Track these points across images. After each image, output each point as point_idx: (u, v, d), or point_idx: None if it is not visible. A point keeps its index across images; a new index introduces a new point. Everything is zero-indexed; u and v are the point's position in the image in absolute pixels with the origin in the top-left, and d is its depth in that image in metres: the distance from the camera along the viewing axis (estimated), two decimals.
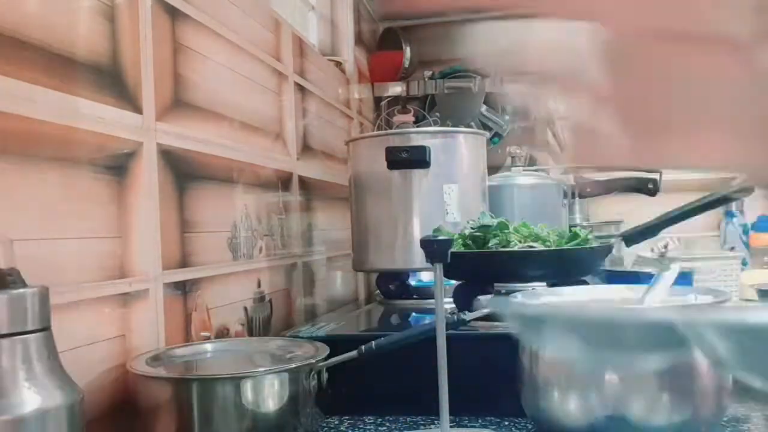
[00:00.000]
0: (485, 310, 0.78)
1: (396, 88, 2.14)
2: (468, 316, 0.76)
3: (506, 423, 0.78)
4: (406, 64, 2.16)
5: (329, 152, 1.53)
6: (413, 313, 1.15)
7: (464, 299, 0.95)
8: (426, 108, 2.19)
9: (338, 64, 1.76)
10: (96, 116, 0.70)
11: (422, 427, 0.78)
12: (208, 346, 0.81)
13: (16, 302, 0.48)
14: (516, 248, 0.90)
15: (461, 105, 2.16)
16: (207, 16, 0.96)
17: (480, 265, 0.93)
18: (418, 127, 2.07)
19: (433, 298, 1.20)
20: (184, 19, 0.90)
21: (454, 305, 0.98)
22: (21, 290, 0.48)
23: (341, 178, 1.54)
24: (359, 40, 1.97)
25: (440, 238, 0.63)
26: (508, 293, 0.78)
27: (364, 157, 1.22)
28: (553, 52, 0.27)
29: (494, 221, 0.94)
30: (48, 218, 0.63)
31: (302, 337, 0.84)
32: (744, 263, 1.60)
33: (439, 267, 0.63)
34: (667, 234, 0.81)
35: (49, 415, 0.48)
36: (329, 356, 0.72)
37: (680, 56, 0.25)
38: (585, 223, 1.78)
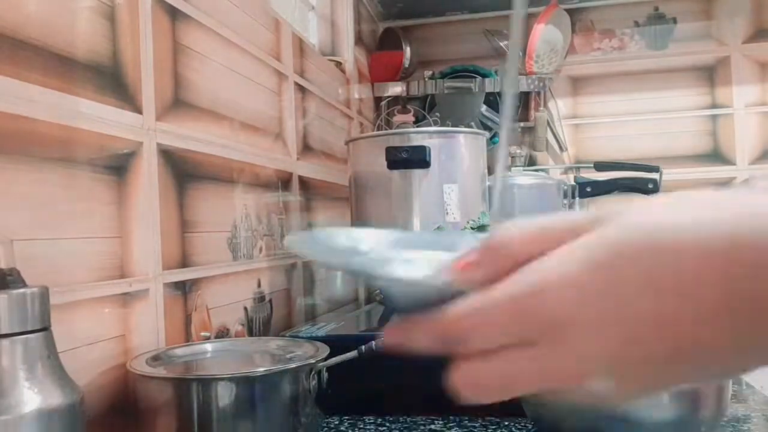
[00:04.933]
0: None
1: (396, 88, 2.14)
2: None
3: (506, 423, 0.78)
4: (406, 64, 2.16)
5: (329, 152, 1.53)
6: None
7: None
8: (426, 108, 2.19)
9: (338, 64, 1.76)
10: (96, 116, 0.70)
11: (422, 427, 0.78)
12: (208, 346, 0.81)
13: (16, 302, 0.48)
14: None
15: (461, 105, 2.16)
16: (207, 16, 0.96)
17: None
18: (418, 127, 2.07)
19: None
20: (184, 19, 0.90)
21: None
22: (21, 290, 0.48)
23: (341, 178, 1.54)
24: (359, 40, 1.97)
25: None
26: None
27: (364, 157, 1.22)
28: None
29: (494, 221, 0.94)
30: (48, 218, 0.63)
31: (302, 337, 0.84)
32: None
33: None
34: None
35: (49, 415, 0.48)
36: (329, 356, 0.72)
37: None
38: None
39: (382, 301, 1.24)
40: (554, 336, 0.26)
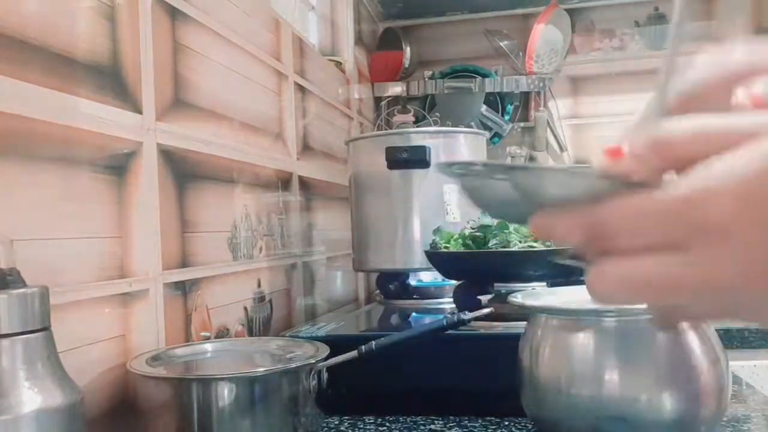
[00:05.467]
0: (485, 310, 0.78)
1: (396, 88, 2.14)
2: (468, 316, 0.76)
3: (506, 423, 0.78)
4: (406, 64, 2.16)
5: (329, 152, 1.53)
6: (413, 313, 1.15)
7: (464, 299, 0.95)
8: (426, 108, 2.19)
9: (338, 64, 1.77)
10: (96, 116, 0.70)
11: (422, 427, 0.78)
12: (208, 346, 0.81)
13: (16, 302, 0.48)
14: (516, 248, 0.90)
15: (461, 105, 2.16)
16: (207, 16, 0.96)
17: (480, 265, 0.93)
18: (418, 127, 2.07)
19: (433, 298, 1.21)
20: (184, 19, 0.90)
21: (454, 305, 0.98)
22: (21, 290, 0.48)
23: (341, 178, 1.54)
24: (359, 40, 1.97)
25: None
26: (508, 293, 0.78)
27: (364, 157, 1.22)
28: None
29: (494, 221, 0.94)
30: (48, 218, 0.63)
31: (302, 337, 0.84)
32: None
33: None
34: None
35: (49, 415, 0.48)
36: (329, 356, 0.72)
37: None
38: None
39: (382, 301, 1.24)
40: (709, 241, 0.26)
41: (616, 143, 0.29)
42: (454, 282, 1.01)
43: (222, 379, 0.65)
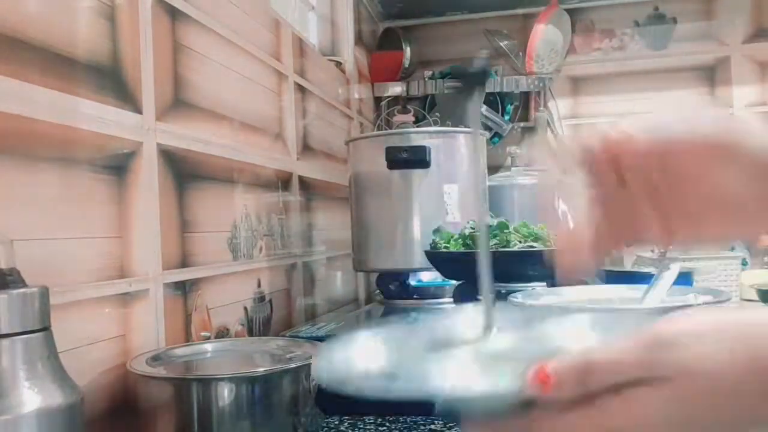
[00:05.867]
0: None
1: (396, 88, 2.13)
2: None
3: None
4: (406, 64, 2.16)
5: (329, 152, 1.53)
6: (413, 313, 1.15)
7: (464, 299, 0.95)
8: (426, 108, 2.19)
9: (338, 64, 1.76)
10: (96, 116, 0.70)
11: (422, 427, 0.78)
12: (208, 346, 0.81)
13: (16, 302, 0.48)
14: (516, 248, 0.90)
15: (461, 105, 2.16)
16: (207, 16, 0.96)
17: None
18: (418, 127, 2.07)
19: (433, 298, 1.21)
20: (184, 19, 0.90)
21: (454, 305, 0.98)
22: (21, 290, 0.48)
23: (341, 178, 1.54)
24: (359, 40, 1.97)
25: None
26: (508, 293, 0.78)
27: (364, 157, 1.22)
28: None
29: (494, 221, 0.94)
30: (48, 218, 0.63)
31: (302, 337, 0.84)
32: (744, 263, 1.60)
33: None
34: None
35: (49, 415, 0.48)
36: None
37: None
38: None
39: (382, 301, 1.24)
40: None
41: (542, 367, 0.32)
42: (454, 282, 1.02)
43: (222, 379, 0.65)
